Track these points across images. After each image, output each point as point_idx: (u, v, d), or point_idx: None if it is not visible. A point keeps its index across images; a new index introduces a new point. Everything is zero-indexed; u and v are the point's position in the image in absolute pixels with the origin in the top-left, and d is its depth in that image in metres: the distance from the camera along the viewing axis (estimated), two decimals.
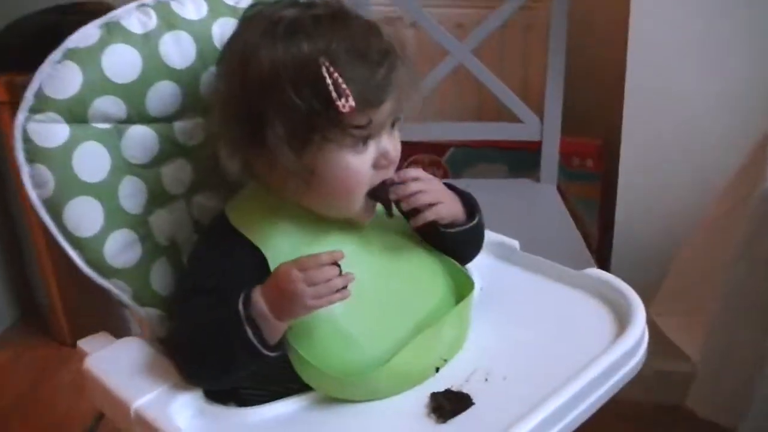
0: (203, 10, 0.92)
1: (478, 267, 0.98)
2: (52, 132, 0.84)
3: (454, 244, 0.92)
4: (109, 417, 0.86)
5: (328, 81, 0.76)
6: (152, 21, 0.89)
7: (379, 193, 0.86)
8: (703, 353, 1.19)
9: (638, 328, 0.87)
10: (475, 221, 0.92)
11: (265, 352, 0.78)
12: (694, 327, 1.29)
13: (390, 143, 0.84)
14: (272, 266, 0.81)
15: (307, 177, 0.82)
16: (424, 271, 0.91)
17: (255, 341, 0.77)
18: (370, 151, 0.83)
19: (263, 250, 0.83)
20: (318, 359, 0.80)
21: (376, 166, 0.84)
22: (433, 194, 0.88)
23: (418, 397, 0.81)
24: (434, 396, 0.80)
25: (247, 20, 0.85)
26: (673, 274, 1.38)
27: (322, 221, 0.86)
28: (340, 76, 0.76)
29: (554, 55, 1.55)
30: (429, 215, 0.88)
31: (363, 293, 0.82)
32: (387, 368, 0.80)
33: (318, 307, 0.78)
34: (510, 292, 0.97)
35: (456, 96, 1.94)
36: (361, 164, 0.83)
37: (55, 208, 0.85)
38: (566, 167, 1.86)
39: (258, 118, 0.79)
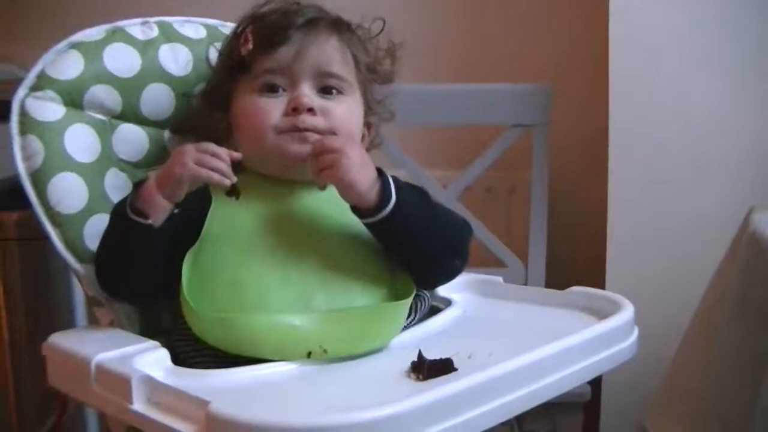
0: (201, 33, 1.00)
1: (462, 303, 0.96)
2: (49, 108, 0.88)
3: (380, 237, 0.85)
4: (67, 390, 0.80)
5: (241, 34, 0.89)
6: (153, 32, 0.96)
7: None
8: None
9: (626, 313, 0.86)
10: (382, 214, 0.81)
11: (131, 214, 0.79)
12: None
13: (310, 95, 0.86)
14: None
15: (232, 126, 0.89)
16: (366, 267, 0.85)
17: (127, 203, 0.80)
18: (283, 99, 0.87)
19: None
20: (204, 303, 0.78)
21: (287, 114, 0.86)
22: (338, 161, 0.81)
23: (404, 358, 0.77)
24: (419, 355, 0.76)
25: None
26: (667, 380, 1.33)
27: (285, 191, 0.88)
28: (259, 31, 0.88)
29: (536, 218, 1.59)
30: (321, 177, 0.83)
31: (272, 256, 0.83)
32: (268, 319, 0.77)
33: (195, 175, 0.79)
34: (495, 316, 0.95)
35: None
36: (269, 105, 0.87)
37: (40, 181, 0.86)
38: None
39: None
